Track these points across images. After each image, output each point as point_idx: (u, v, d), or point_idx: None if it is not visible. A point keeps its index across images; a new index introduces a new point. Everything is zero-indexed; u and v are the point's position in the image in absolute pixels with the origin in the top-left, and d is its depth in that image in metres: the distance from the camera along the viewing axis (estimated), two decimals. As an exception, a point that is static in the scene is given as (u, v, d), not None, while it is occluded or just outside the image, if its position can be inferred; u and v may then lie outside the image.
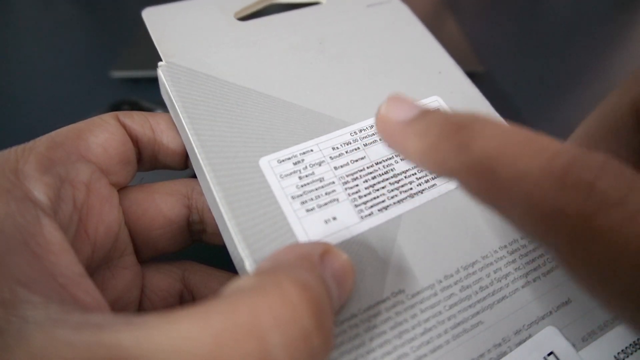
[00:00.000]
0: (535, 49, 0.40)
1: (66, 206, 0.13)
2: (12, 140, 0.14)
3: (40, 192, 0.12)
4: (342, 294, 0.12)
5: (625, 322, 0.09)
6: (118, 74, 0.33)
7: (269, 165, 0.15)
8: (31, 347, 0.09)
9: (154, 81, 0.17)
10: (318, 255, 0.11)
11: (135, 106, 0.29)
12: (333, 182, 0.15)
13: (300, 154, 0.15)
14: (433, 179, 0.16)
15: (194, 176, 0.16)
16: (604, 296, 0.09)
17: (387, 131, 0.12)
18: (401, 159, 0.16)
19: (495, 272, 0.14)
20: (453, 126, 0.11)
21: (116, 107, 0.29)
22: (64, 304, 0.10)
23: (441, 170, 0.11)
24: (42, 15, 0.43)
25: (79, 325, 0.09)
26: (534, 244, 0.15)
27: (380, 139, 0.12)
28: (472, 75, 0.34)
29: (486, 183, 0.10)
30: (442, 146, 0.11)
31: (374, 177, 0.15)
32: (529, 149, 0.10)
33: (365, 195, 0.15)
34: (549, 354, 0.13)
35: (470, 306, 0.14)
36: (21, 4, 0.44)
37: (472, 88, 0.19)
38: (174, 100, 0.15)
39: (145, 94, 0.31)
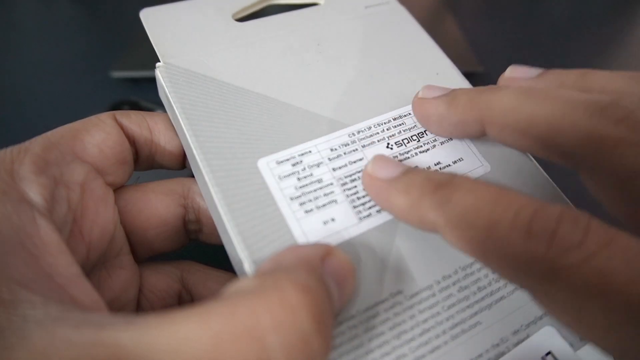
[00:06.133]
0: (535, 49, 0.41)
1: (60, 207, 0.13)
2: (12, 141, 0.14)
3: (35, 193, 0.12)
4: (343, 295, 0.12)
5: (600, 350, 0.10)
6: (118, 74, 0.33)
7: (268, 166, 0.15)
8: (32, 345, 0.09)
9: (154, 81, 0.17)
10: (319, 257, 0.11)
11: (135, 106, 0.29)
12: (331, 184, 0.15)
13: (298, 155, 0.15)
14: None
15: (191, 175, 0.16)
16: (578, 330, 0.10)
17: (373, 188, 0.14)
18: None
19: (493, 272, 0.14)
20: (433, 184, 0.12)
21: (116, 107, 0.29)
22: (62, 304, 0.10)
23: (424, 224, 0.12)
24: (42, 15, 0.43)
25: (79, 324, 0.09)
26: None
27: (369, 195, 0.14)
28: (472, 75, 0.34)
29: (465, 235, 0.11)
30: (424, 202, 0.12)
31: (372, 178, 0.15)
32: (499, 203, 0.11)
33: (363, 197, 0.15)
34: (547, 354, 0.13)
35: (468, 307, 0.14)
36: (21, 4, 0.44)
37: (471, 89, 0.19)
38: (172, 102, 0.15)
39: (145, 94, 0.31)
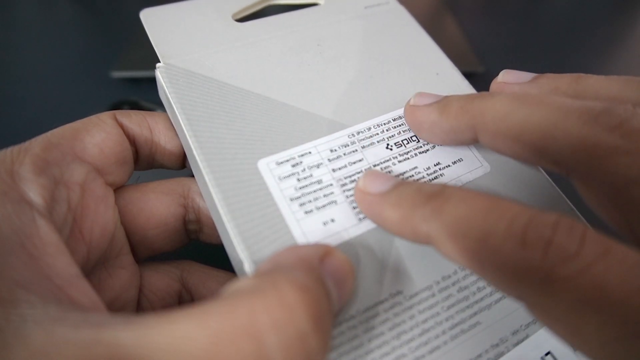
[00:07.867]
0: (535, 49, 0.41)
1: (60, 207, 0.13)
2: (12, 141, 0.14)
3: (35, 193, 0.12)
4: (342, 295, 0.12)
5: None
6: (118, 74, 0.33)
7: (268, 167, 0.15)
8: (31, 345, 0.09)
9: (154, 81, 0.17)
10: (318, 257, 0.11)
11: (135, 106, 0.29)
12: (331, 184, 0.15)
13: (298, 156, 0.15)
14: (431, 180, 0.16)
15: (191, 175, 0.16)
16: (573, 344, 0.10)
17: (365, 203, 0.14)
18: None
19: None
20: (424, 195, 0.12)
21: (116, 107, 0.29)
22: (61, 304, 0.10)
23: (417, 237, 0.12)
24: (42, 15, 0.43)
25: (78, 323, 0.09)
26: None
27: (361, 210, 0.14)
28: (472, 75, 0.34)
29: (459, 246, 0.11)
30: (416, 215, 0.12)
31: (372, 179, 0.15)
32: (493, 212, 0.11)
33: (363, 197, 0.15)
34: (547, 354, 0.13)
35: (468, 307, 0.14)
36: (21, 4, 0.44)
37: (470, 89, 0.19)
38: (172, 102, 0.15)
39: (145, 94, 0.31)
